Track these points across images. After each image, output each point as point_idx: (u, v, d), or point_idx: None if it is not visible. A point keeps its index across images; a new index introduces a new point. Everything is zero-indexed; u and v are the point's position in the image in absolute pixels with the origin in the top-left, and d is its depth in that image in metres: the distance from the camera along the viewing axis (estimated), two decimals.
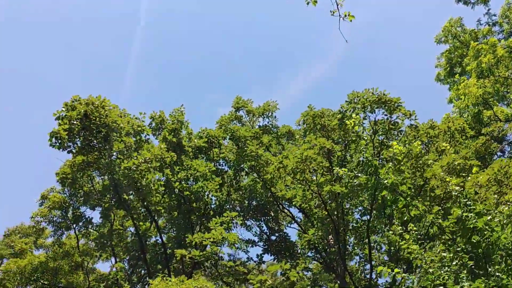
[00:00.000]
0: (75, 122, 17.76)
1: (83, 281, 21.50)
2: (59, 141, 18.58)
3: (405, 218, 11.10)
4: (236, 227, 23.27)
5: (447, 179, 10.45)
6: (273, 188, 21.79)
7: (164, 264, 21.33)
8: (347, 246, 21.66)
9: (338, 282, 20.24)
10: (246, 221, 24.75)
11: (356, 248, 22.47)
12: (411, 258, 9.20)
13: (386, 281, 21.52)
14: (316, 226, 20.12)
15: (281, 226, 27.62)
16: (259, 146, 22.43)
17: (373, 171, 17.79)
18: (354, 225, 21.60)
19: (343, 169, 12.33)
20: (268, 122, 24.77)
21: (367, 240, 20.16)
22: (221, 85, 65.72)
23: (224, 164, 24.79)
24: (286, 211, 24.93)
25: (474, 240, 8.40)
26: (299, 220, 25.19)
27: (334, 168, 18.94)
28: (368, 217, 18.54)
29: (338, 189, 17.81)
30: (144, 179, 17.80)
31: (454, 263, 8.33)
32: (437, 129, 19.15)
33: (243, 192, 24.30)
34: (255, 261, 25.00)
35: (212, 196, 22.91)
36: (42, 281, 20.05)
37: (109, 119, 17.81)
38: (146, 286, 21.02)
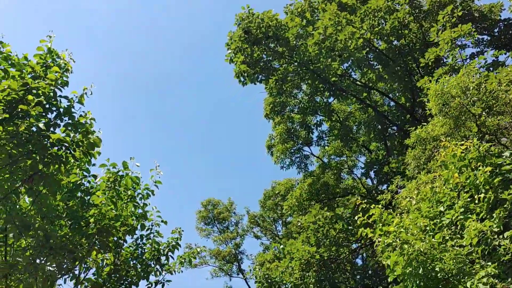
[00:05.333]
0: (243, 46, 17.30)
1: None
2: (245, 76, 18.49)
3: None
4: None
5: None
6: None
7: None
8: None
9: None
10: None
11: None
12: None
13: None
14: None
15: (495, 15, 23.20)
16: None
17: None
18: None
19: None
20: None
21: None
22: None
23: None
24: None
25: None
26: None
27: None
28: None
29: None
30: (339, 43, 16.16)
31: None
32: None
33: None
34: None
35: None
36: None
37: (266, 20, 16.77)
38: None
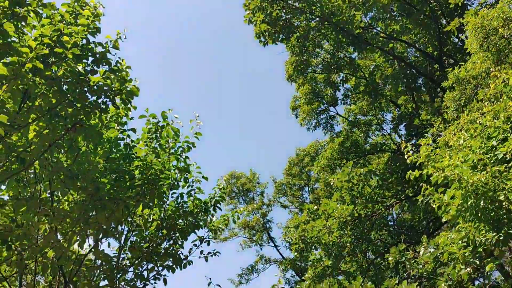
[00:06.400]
0: (262, 4, 16.75)
1: None
2: (266, 36, 18.01)
3: None
4: None
5: None
6: None
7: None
8: None
9: None
10: None
11: None
12: None
13: None
14: None
15: None
16: None
17: None
18: None
19: None
20: None
21: None
22: None
23: None
24: None
25: None
26: None
27: None
28: None
29: None
30: None
31: None
32: None
33: None
34: None
35: None
36: None
37: None
38: None
